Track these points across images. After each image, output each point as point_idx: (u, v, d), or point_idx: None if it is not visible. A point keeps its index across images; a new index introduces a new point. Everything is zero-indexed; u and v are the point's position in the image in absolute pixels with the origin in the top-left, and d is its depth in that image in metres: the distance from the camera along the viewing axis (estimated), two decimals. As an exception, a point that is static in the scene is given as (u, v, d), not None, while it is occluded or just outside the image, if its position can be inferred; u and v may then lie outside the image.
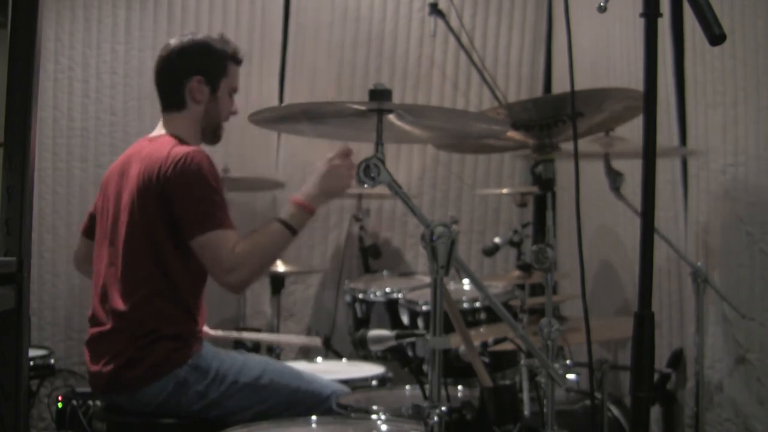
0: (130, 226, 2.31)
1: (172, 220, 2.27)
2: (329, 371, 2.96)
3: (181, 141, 2.40)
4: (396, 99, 1.92)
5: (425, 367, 2.55)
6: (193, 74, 2.46)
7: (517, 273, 2.76)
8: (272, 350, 3.54)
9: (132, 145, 2.52)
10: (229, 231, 2.25)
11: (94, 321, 2.36)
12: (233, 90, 2.54)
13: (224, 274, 2.24)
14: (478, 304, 2.90)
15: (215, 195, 2.27)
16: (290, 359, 3.67)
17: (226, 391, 2.29)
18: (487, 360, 2.55)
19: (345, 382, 2.75)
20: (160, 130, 2.48)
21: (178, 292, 2.32)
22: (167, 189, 2.26)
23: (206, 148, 2.59)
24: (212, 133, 2.54)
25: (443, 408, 1.52)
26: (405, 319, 3.02)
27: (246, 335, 3.13)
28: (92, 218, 2.57)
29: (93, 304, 2.38)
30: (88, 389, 2.86)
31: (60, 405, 3.07)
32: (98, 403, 2.86)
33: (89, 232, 2.57)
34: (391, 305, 3.11)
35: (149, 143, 2.42)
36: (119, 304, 2.28)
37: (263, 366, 2.40)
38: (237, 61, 2.55)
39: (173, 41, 2.52)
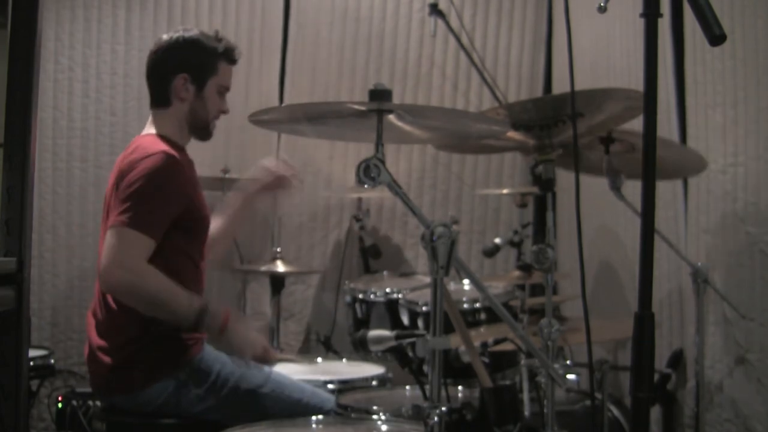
0: None
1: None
2: (329, 371, 2.96)
3: (167, 139, 2.36)
4: (396, 99, 1.92)
5: (425, 368, 2.55)
6: (179, 72, 2.39)
7: (517, 273, 2.76)
8: (272, 350, 3.54)
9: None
10: (145, 237, 2.15)
11: (93, 321, 2.35)
12: (224, 89, 2.47)
13: (111, 266, 2.11)
14: (478, 305, 2.89)
15: (156, 199, 2.20)
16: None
17: (227, 396, 2.28)
18: (487, 360, 2.55)
19: (345, 382, 2.75)
20: (148, 129, 2.44)
21: None
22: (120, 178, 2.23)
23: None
24: (201, 131, 2.47)
25: (443, 408, 1.52)
26: (405, 319, 3.02)
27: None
28: None
29: (93, 305, 2.37)
30: (88, 389, 2.87)
31: (60, 405, 3.08)
32: (98, 403, 2.86)
33: None
34: (391, 305, 3.11)
35: (135, 143, 2.39)
36: (117, 305, 2.27)
37: (266, 375, 2.37)
38: (230, 59, 2.47)
39: (164, 36, 2.45)
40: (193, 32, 2.45)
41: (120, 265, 2.13)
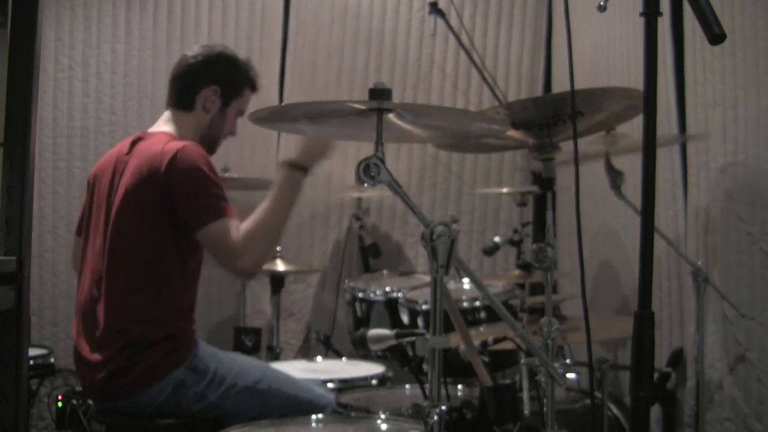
0: (124, 225, 2.29)
1: (172, 216, 2.26)
2: (329, 371, 2.96)
3: (179, 139, 2.39)
4: (396, 98, 1.92)
5: (425, 367, 2.55)
6: (212, 83, 2.50)
7: (517, 272, 2.76)
8: (272, 349, 3.54)
9: (120, 143, 2.50)
10: (229, 219, 2.25)
11: (85, 322, 2.33)
12: (240, 113, 2.58)
13: (233, 261, 2.25)
14: (478, 304, 2.90)
15: (212, 186, 2.27)
16: (290, 359, 3.67)
17: (225, 393, 2.29)
18: (486, 359, 2.55)
19: (345, 381, 2.75)
20: (162, 126, 2.48)
21: (172, 292, 2.30)
22: (165, 186, 2.25)
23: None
24: (210, 145, 2.54)
25: (443, 407, 1.52)
26: (405, 318, 3.02)
27: None
28: (84, 218, 2.55)
29: (82, 307, 2.34)
30: (88, 389, 2.86)
31: (60, 404, 3.08)
32: (98, 403, 2.86)
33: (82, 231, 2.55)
34: (391, 304, 3.11)
35: (144, 139, 2.40)
36: (113, 305, 2.26)
37: (262, 371, 2.40)
38: (254, 87, 2.60)
39: (200, 47, 2.56)
40: (231, 51, 2.59)
41: (236, 257, 2.23)
